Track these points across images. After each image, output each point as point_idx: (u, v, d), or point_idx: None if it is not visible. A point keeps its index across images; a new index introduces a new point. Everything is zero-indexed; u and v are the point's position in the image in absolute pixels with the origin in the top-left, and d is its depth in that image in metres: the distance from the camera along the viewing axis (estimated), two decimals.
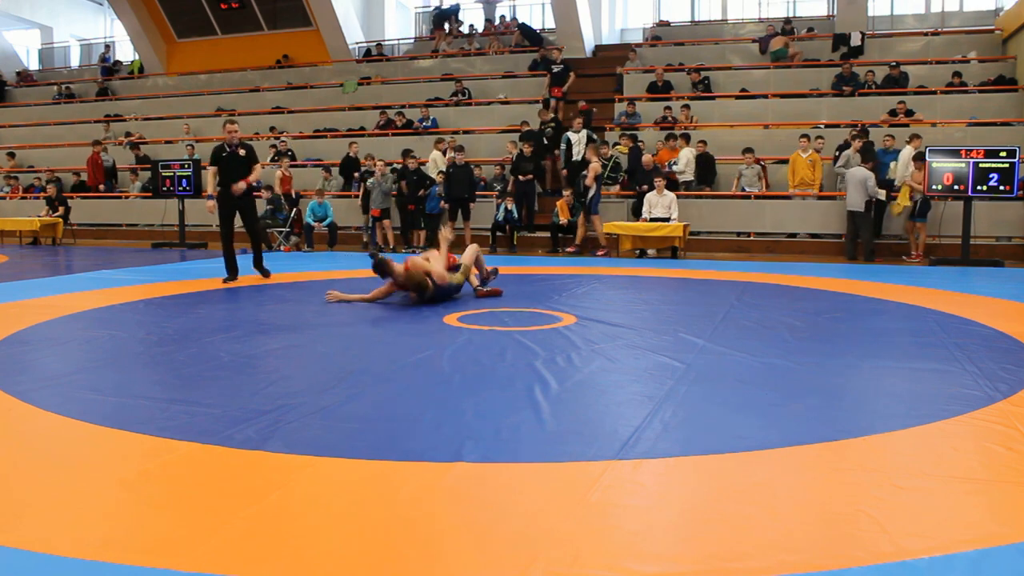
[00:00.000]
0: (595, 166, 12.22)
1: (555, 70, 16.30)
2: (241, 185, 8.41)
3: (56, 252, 13.49)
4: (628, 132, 14.05)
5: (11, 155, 19.14)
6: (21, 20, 25.78)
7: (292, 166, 15.78)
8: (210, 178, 8.55)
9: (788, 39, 16.48)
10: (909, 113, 13.67)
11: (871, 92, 14.67)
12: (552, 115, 15.10)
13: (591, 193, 12.16)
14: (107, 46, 24.35)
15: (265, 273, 8.84)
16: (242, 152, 8.56)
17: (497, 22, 21.08)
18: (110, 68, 23.10)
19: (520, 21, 20.01)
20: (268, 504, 2.62)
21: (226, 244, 8.60)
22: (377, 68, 19.82)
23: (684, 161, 13.05)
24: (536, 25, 20.66)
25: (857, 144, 11.95)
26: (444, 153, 13.92)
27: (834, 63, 15.71)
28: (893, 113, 13.70)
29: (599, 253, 12.14)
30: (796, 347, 5.10)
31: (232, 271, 8.59)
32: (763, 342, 5.23)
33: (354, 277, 9.17)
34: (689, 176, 13.05)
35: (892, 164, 12.09)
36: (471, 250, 7.48)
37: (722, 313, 6.41)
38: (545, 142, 14.30)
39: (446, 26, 20.86)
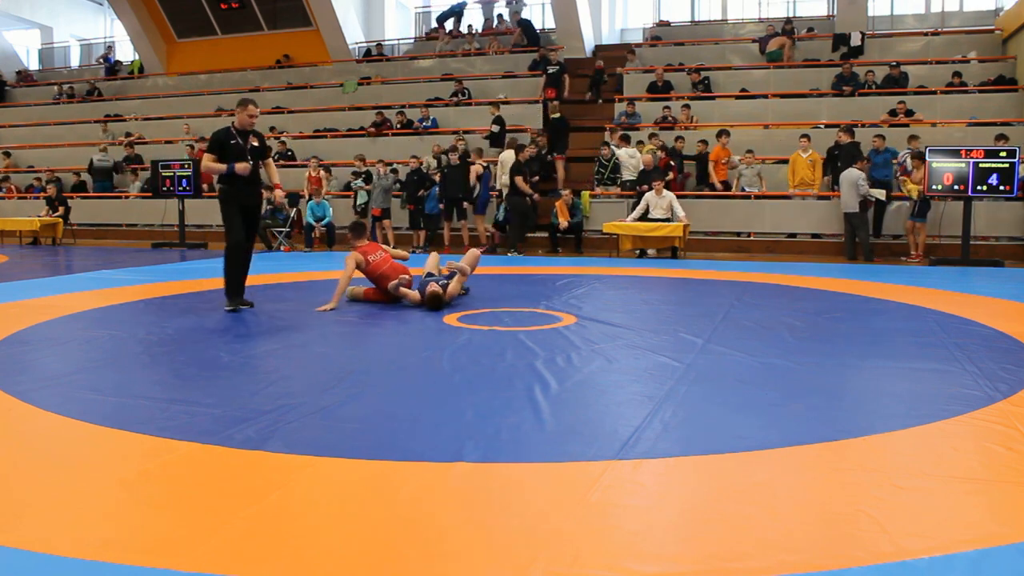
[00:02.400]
0: (476, 168, 13.01)
1: (550, 71, 16.20)
2: (279, 194, 7.16)
3: (56, 252, 13.49)
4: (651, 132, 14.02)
5: (7, 154, 19.15)
6: (21, 20, 25.77)
7: (291, 166, 15.84)
8: (209, 163, 6.58)
9: (786, 39, 16.46)
10: (909, 113, 13.67)
11: (871, 92, 14.67)
12: (559, 114, 15.11)
13: (476, 193, 12.95)
14: (108, 47, 24.30)
15: (246, 304, 6.81)
16: (255, 141, 6.73)
17: (496, 23, 21.06)
18: (111, 68, 23.08)
19: (522, 17, 19.81)
20: (268, 504, 2.62)
21: (236, 257, 6.68)
22: (377, 68, 19.82)
23: (626, 159, 13.19)
24: (536, 25, 20.63)
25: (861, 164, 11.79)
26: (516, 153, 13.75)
27: (834, 63, 15.70)
28: (893, 113, 13.70)
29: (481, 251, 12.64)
30: (796, 347, 5.10)
31: (238, 292, 6.75)
32: (763, 342, 5.23)
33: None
34: (631, 175, 13.07)
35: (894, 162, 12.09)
36: (473, 255, 7.28)
37: (722, 313, 6.41)
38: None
39: (447, 25, 20.84)
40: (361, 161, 14.25)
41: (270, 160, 7.08)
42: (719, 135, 13.14)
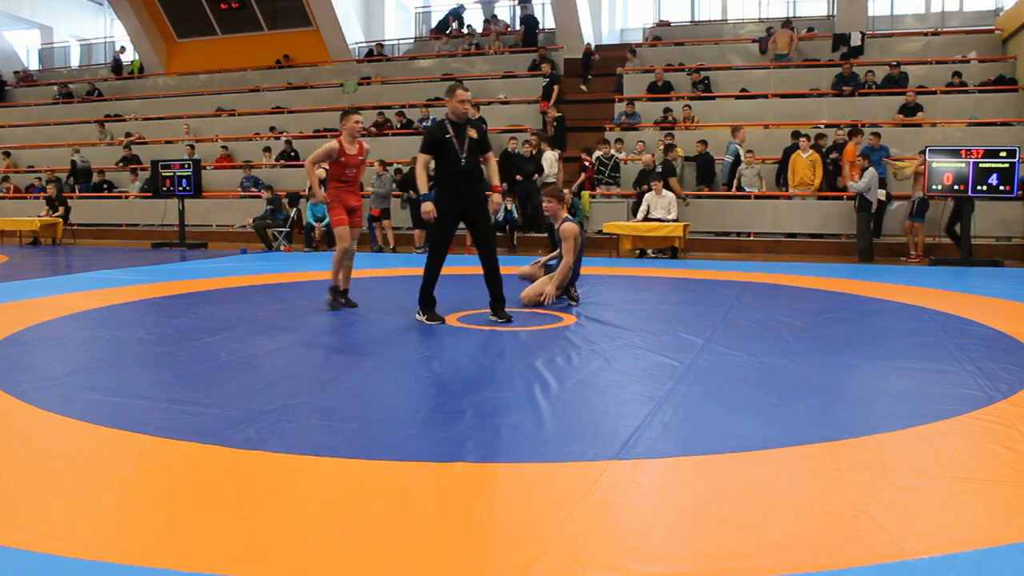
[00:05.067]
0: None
1: (543, 84, 16.10)
2: (498, 199, 5.98)
3: (56, 252, 13.49)
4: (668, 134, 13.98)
5: (6, 154, 19.16)
6: (21, 20, 25.79)
7: (290, 166, 15.85)
8: (420, 169, 5.85)
9: (791, 33, 16.41)
10: (916, 108, 13.65)
11: (871, 92, 14.68)
12: (559, 113, 15.13)
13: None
14: (122, 48, 24.20)
15: (506, 318, 5.96)
16: (473, 133, 5.87)
17: (494, 23, 21.05)
18: (119, 66, 23.05)
19: (528, 12, 19.67)
20: (268, 504, 2.61)
21: (434, 268, 5.98)
22: (377, 68, 19.82)
23: (548, 164, 13.30)
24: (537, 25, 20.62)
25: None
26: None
27: (834, 63, 15.71)
28: (904, 109, 13.70)
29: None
30: (796, 347, 5.10)
31: (431, 304, 6.06)
32: (763, 342, 5.23)
33: (352, 277, 9.15)
34: (552, 178, 13.11)
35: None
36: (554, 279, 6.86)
37: (722, 313, 6.41)
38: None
39: (449, 29, 20.87)
40: None
41: (490, 155, 6.07)
42: (851, 135, 12.32)
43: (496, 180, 6.07)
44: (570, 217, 7.08)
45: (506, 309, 6.06)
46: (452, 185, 5.85)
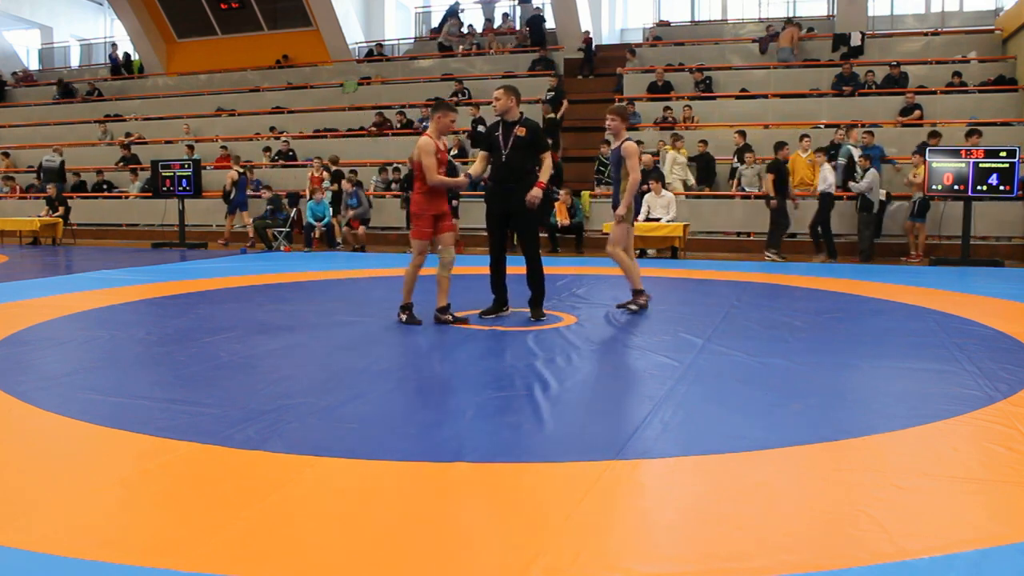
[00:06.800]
0: (231, 174, 14.26)
1: (548, 97, 16.10)
2: (536, 192, 5.86)
3: (56, 252, 13.49)
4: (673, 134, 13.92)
5: (6, 155, 19.14)
6: (21, 20, 25.77)
7: (290, 166, 15.85)
8: (478, 163, 6.20)
9: (794, 30, 16.38)
10: (913, 108, 13.65)
11: (871, 92, 14.68)
12: (553, 115, 15.13)
13: (232, 196, 14.22)
14: (114, 45, 24.18)
15: (539, 315, 6.07)
16: (522, 131, 5.95)
17: (498, 23, 21.06)
18: (117, 66, 23.02)
19: (533, 12, 19.64)
20: (268, 504, 2.62)
21: (494, 261, 6.20)
22: (377, 68, 19.82)
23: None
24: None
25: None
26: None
27: (834, 63, 15.70)
28: (905, 111, 13.70)
29: (246, 248, 13.47)
30: (796, 347, 5.10)
31: (500, 299, 6.26)
32: (763, 342, 5.23)
33: (353, 277, 9.17)
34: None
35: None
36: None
37: (722, 313, 6.41)
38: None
39: (448, 28, 20.88)
40: (333, 162, 14.34)
41: (545, 154, 6.04)
42: (968, 136, 11.49)
43: (543, 177, 6.00)
44: (630, 137, 6.61)
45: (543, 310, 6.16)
46: (494, 181, 6.12)
